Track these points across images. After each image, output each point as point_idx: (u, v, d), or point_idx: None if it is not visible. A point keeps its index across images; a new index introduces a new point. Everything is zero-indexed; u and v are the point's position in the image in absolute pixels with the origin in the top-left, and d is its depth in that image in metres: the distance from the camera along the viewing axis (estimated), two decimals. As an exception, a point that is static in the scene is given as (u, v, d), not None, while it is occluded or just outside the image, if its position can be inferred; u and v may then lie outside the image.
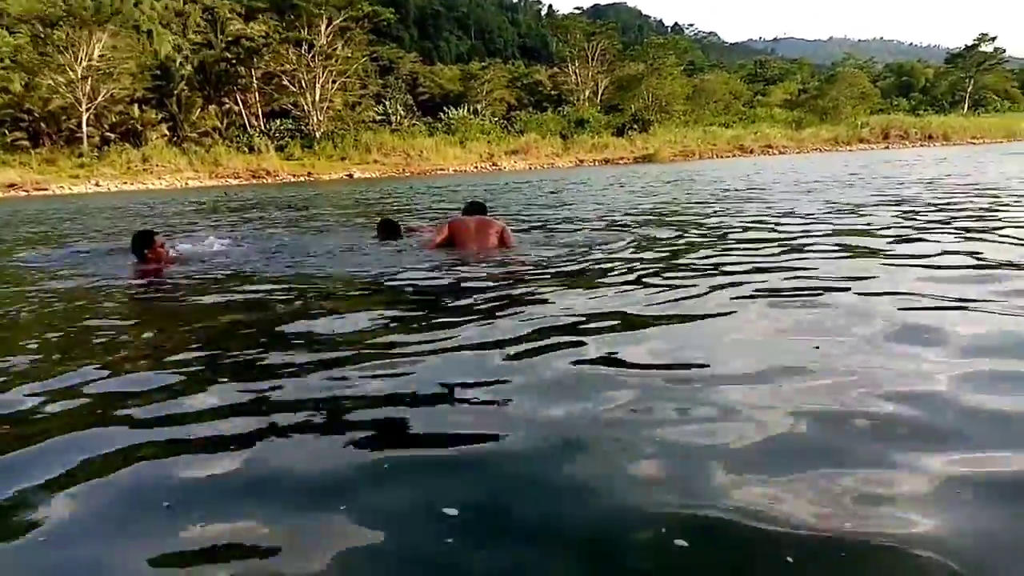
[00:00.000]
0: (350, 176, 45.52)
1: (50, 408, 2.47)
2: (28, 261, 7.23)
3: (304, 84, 52.87)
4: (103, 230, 11.51)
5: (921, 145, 55.66)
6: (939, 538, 1.47)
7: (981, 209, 7.81)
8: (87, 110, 48.32)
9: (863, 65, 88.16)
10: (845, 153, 47.58)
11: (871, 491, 1.66)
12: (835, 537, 1.47)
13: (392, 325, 3.58)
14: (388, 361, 2.86)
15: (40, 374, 2.91)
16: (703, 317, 3.41)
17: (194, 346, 3.29)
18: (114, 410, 2.42)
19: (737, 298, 3.79)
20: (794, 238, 6.13)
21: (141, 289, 5.44)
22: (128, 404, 2.46)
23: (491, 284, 4.71)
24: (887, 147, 54.70)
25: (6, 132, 47.76)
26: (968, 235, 5.86)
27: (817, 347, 2.76)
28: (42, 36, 49.93)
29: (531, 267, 5.31)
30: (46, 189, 40.19)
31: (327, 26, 53.03)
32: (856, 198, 10.02)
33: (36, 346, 3.52)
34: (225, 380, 2.70)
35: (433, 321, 3.56)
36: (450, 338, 3.15)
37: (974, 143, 54.97)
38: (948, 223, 6.69)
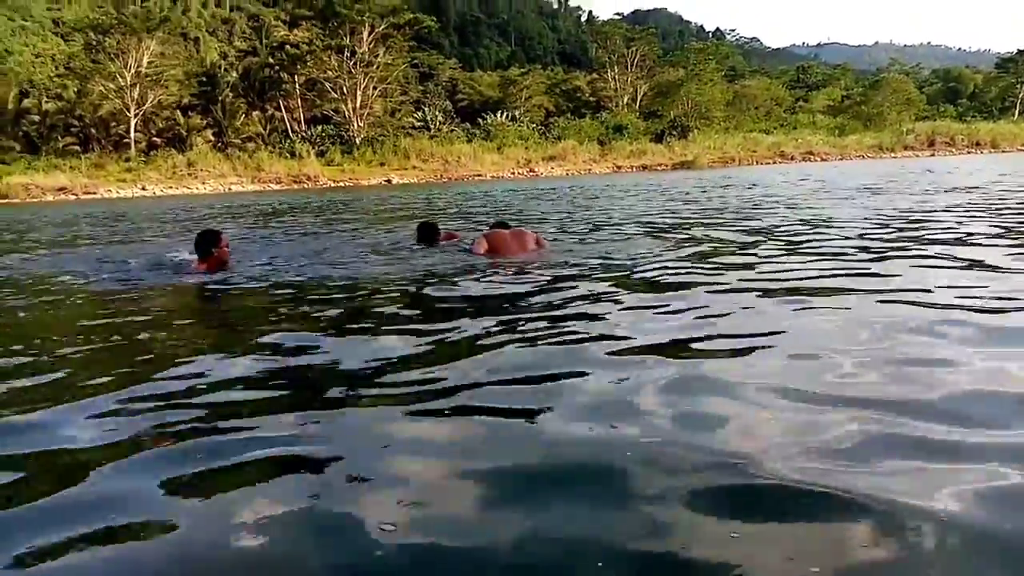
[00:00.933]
0: (389, 182, 46.00)
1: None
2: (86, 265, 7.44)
3: (345, 90, 53.62)
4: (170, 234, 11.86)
5: (968, 152, 54.44)
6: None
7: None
8: (135, 116, 49.63)
9: (909, 71, 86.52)
10: (889, 160, 46.73)
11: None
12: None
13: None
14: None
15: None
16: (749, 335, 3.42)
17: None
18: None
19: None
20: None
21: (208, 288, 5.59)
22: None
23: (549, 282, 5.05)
24: (932, 154, 53.59)
25: (58, 137, 49.33)
26: None
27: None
28: (94, 44, 51.50)
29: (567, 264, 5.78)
30: (94, 193, 41.33)
31: (369, 33, 53.75)
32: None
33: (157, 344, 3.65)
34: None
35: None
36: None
37: (1024, 151, 53.62)
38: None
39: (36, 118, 49.77)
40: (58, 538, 1.66)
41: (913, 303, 3.72)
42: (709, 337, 3.20)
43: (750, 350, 2.95)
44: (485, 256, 6.31)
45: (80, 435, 2.30)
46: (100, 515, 1.76)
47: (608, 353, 2.98)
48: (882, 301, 3.79)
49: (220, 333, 4.04)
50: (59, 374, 3.04)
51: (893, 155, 54.19)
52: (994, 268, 4.73)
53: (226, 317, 4.57)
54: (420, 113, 59.16)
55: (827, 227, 7.74)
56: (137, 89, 49.51)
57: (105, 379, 2.90)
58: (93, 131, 50.21)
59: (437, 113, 59.02)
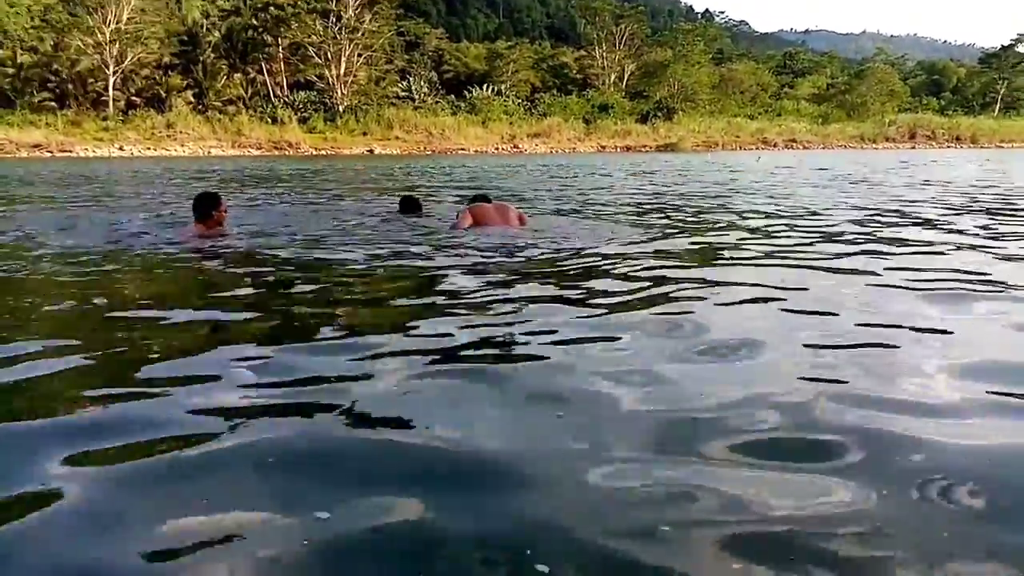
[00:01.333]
0: (371, 151, 45.62)
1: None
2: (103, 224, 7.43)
3: (329, 56, 52.85)
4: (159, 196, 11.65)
5: (948, 146, 54.99)
6: None
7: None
8: (114, 73, 48.58)
9: (894, 61, 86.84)
10: (870, 151, 47.09)
11: None
12: None
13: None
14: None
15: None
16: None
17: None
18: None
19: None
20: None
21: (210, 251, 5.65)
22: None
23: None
24: (913, 147, 54.09)
25: (33, 92, 48.13)
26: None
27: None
28: (72, -4, 50.20)
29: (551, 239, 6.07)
30: (70, 151, 40.57)
31: (355, -2, 52.93)
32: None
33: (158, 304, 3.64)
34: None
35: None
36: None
37: (1003, 147, 54.26)
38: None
39: (10, 71, 48.47)
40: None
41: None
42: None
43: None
44: (469, 229, 6.39)
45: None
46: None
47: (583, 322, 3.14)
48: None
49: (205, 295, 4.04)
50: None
51: (875, 146, 54.64)
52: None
53: (214, 283, 4.59)
54: (405, 83, 58.47)
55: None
56: (116, 46, 48.41)
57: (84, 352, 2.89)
58: (70, 87, 49.08)
59: (422, 84, 58.38)
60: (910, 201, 9.98)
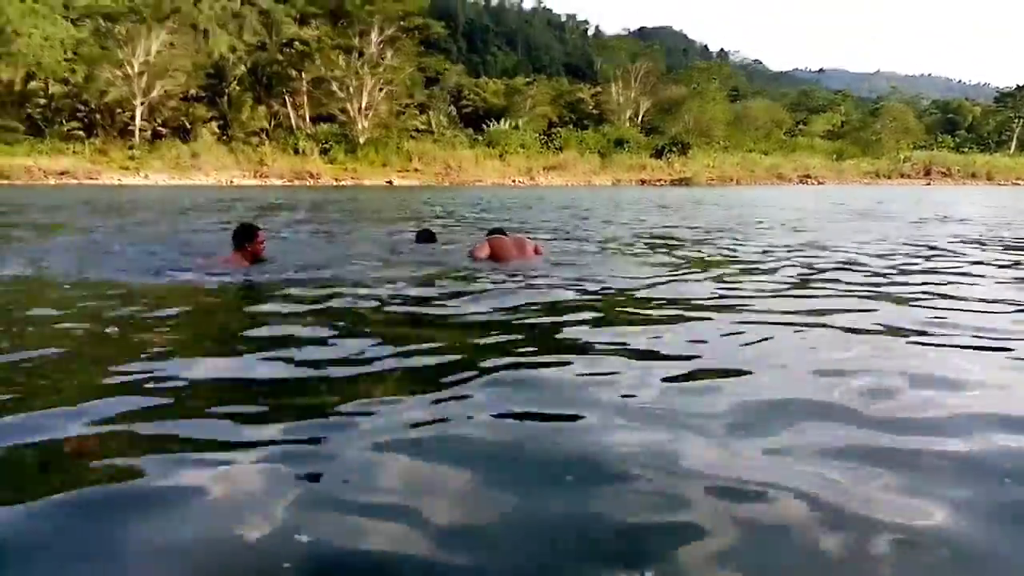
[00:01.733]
0: (390, 183, 46.28)
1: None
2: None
3: (352, 90, 53.94)
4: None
5: (963, 183, 55.09)
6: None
7: None
8: (141, 104, 49.81)
9: (908, 100, 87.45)
10: (885, 187, 47.31)
11: None
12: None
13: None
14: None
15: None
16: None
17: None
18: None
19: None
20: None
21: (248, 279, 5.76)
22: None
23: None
24: (928, 183, 54.24)
25: (63, 121, 49.44)
26: None
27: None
28: (103, 30, 51.74)
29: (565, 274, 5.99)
30: (96, 179, 41.46)
31: (378, 35, 54.13)
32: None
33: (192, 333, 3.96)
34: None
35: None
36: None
37: (1019, 184, 54.32)
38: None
39: (42, 101, 49.92)
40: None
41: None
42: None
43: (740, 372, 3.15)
44: (486, 261, 6.53)
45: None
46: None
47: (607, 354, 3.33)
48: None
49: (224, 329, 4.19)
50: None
51: (889, 182, 54.83)
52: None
53: (239, 313, 4.66)
54: (424, 116, 59.53)
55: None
56: (144, 78, 49.71)
57: (111, 374, 2.99)
58: (98, 117, 50.37)
59: (441, 117, 59.42)
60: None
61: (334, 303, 4.60)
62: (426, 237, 8.33)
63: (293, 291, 5.03)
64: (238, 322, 4.23)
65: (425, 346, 3.43)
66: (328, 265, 6.50)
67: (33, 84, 51.41)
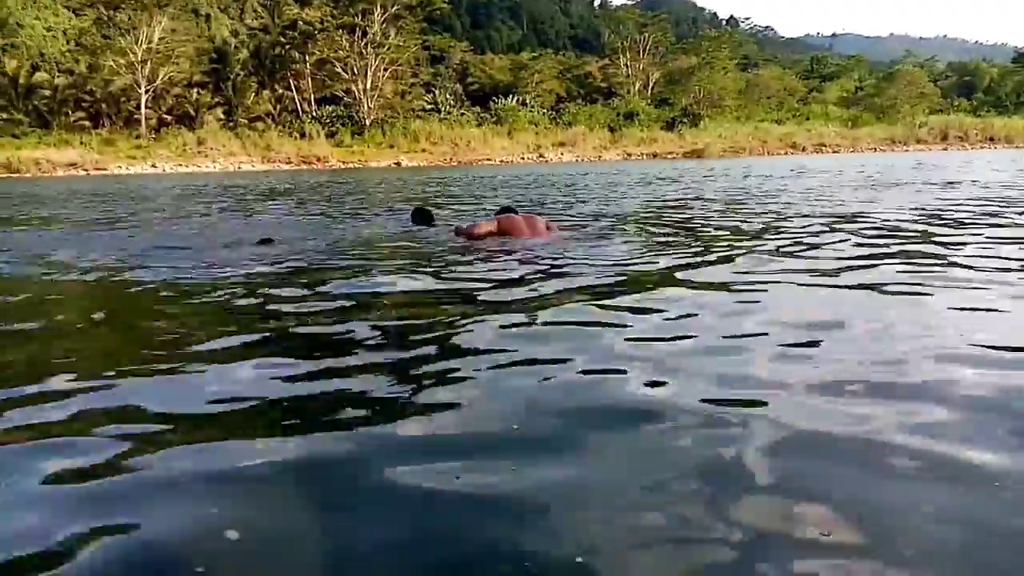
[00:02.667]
0: (398, 164, 45.98)
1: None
2: None
3: (356, 71, 53.49)
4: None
5: (981, 147, 54.03)
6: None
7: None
8: (146, 92, 49.62)
9: (923, 63, 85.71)
10: (901, 153, 46.46)
11: None
12: None
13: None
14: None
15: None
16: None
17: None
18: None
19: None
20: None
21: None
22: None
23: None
24: (945, 148, 53.24)
25: (69, 112, 49.37)
26: None
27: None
28: (105, 19, 51.53)
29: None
30: (104, 169, 41.44)
31: (381, 13, 53.54)
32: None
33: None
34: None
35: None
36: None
37: (1039, 146, 53.25)
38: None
39: (47, 92, 49.78)
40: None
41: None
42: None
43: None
44: (492, 236, 6.16)
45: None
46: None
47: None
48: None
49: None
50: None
51: (905, 148, 53.88)
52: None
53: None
54: (430, 96, 58.96)
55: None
56: (148, 65, 49.48)
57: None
58: (104, 107, 50.23)
59: (447, 96, 58.79)
60: None
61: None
62: (422, 218, 7.69)
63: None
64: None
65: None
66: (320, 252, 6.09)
67: (38, 76, 51.28)
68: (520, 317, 3.37)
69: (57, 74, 51.57)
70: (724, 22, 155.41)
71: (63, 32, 57.93)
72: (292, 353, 2.92)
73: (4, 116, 48.21)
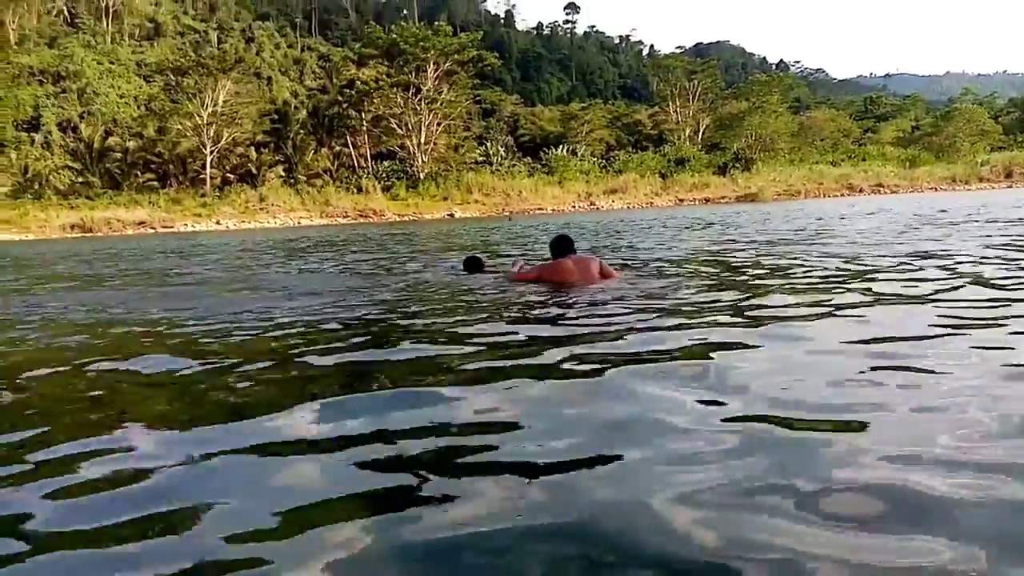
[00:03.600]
0: (451, 215, 46.71)
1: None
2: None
3: (410, 126, 54.89)
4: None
5: (1049, 184, 52.34)
6: None
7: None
8: (211, 153, 51.73)
9: (983, 100, 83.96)
10: (963, 193, 45.30)
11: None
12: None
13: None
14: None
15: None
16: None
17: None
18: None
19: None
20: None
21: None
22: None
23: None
24: (1010, 186, 51.73)
25: (138, 174, 51.79)
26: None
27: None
28: (174, 84, 54.21)
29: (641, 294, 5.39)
30: (171, 227, 43.10)
31: (434, 71, 55.09)
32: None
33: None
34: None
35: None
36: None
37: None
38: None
39: (119, 155, 52.40)
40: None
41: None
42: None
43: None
44: (529, 279, 6.03)
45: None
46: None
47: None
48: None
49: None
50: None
51: (967, 187, 52.53)
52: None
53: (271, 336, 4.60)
54: (482, 148, 60.17)
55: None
56: (213, 127, 51.65)
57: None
58: (171, 167, 52.54)
59: (499, 148, 59.88)
60: None
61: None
62: (472, 265, 7.85)
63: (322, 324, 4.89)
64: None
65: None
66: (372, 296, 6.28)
67: (111, 140, 54.12)
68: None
69: (128, 137, 54.35)
70: (774, 66, 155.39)
71: (134, 98, 61.23)
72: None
73: (80, 180, 50.91)
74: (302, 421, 2.70)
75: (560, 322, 4.57)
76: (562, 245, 6.30)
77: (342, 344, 4.11)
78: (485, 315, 4.98)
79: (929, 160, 61.48)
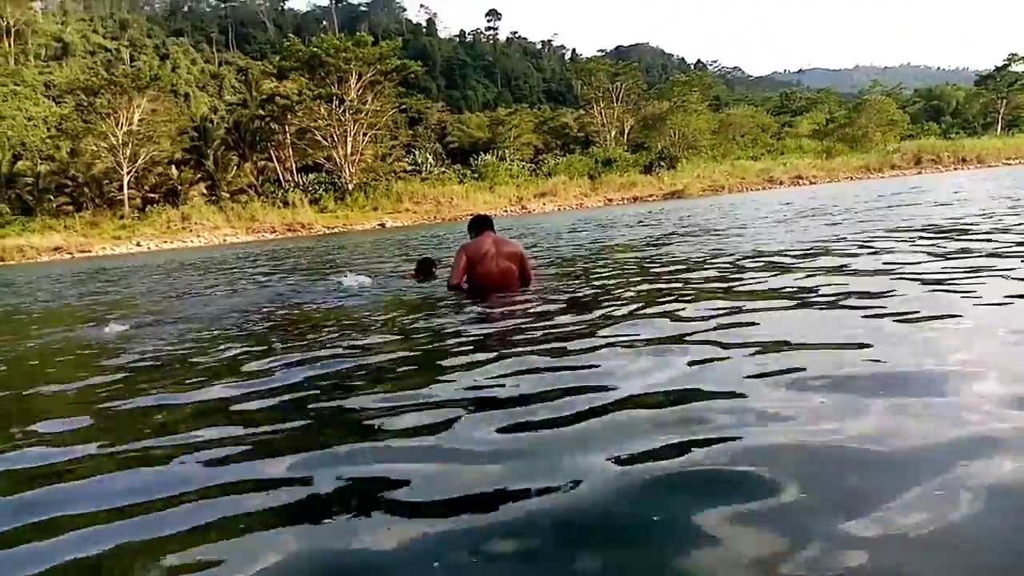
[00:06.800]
0: (382, 225, 46.25)
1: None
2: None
3: (336, 138, 54.16)
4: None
5: (955, 169, 54.90)
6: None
7: None
8: (128, 173, 50.00)
9: (890, 92, 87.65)
10: (877, 180, 47.14)
11: None
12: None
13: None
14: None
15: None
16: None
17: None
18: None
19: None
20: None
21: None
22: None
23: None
24: (919, 172, 54.08)
25: (51, 198, 49.59)
26: None
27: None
28: (86, 104, 52.18)
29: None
30: (89, 251, 41.48)
31: (357, 81, 54.47)
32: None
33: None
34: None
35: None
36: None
37: (1010, 164, 54.14)
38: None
39: (29, 180, 50.10)
40: None
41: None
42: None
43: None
44: (460, 284, 5.99)
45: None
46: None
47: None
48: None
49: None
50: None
51: (881, 175, 54.67)
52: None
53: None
54: (411, 157, 59.81)
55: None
56: (129, 147, 49.95)
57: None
58: (86, 190, 50.54)
59: (428, 156, 59.64)
60: None
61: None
62: (426, 268, 7.58)
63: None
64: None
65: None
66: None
67: (20, 164, 51.74)
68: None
69: (39, 161, 52.03)
70: (693, 66, 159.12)
71: (44, 120, 58.74)
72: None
73: (-14, 207, 48.47)
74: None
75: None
76: (480, 222, 6.43)
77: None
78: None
79: (844, 151, 63.77)
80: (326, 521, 1.82)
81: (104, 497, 2.06)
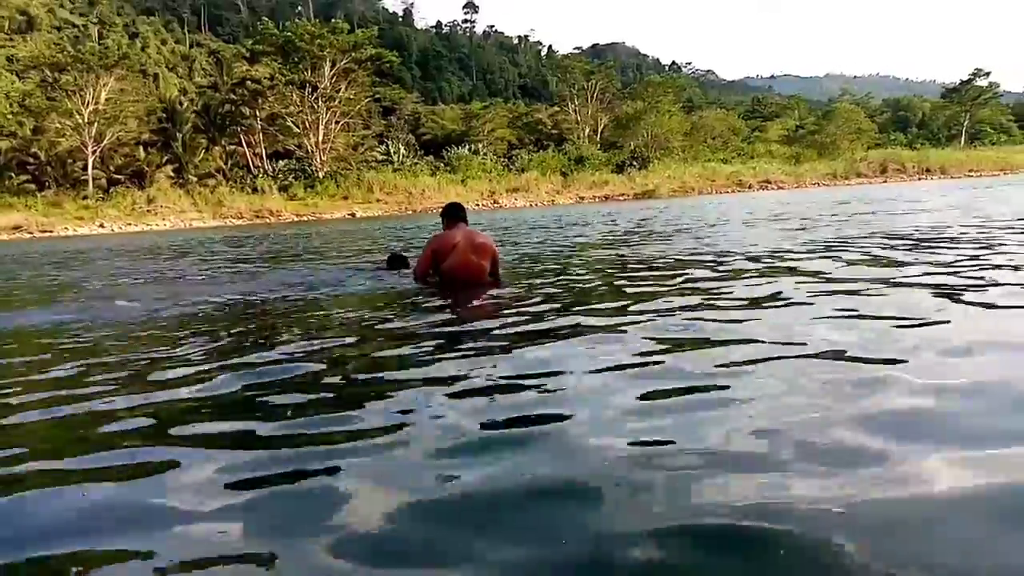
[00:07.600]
0: (352, 215, 45.92)
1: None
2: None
3: (307, 125, 53.61)
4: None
5: (919, 178, 56.07)
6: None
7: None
8: (93, 153, 48.96)
9: (859, 101, 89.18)
10: (843, 188, 47.93)
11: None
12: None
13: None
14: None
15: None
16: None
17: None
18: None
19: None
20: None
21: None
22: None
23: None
24: (885, 181, 55.11)
25: (12, 175, 48.35)
26: None
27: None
28: (50, 81, 50.89)
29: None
30: (51, 231, 40.60)
31: (330, 68, 53.93)
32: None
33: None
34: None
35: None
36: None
37: (972, 176, 55.43)
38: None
39: (-11, 156, 48.81)
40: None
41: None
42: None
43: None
44: (427, 275, 6.02)
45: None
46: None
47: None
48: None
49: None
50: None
51: (847, 182, 55.62)
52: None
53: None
54: (383, 147, 59.36)
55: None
56: (95, 126, 48.90)
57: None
58: (49, 169, 49.35)
59: (400, 147, 59.26)
60: None
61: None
62: (397, 263, 7.63)
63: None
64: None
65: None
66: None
67: (-21, 140, 50.33)
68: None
69: (0, 137, 50.67)
70: (667, 68, 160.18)
71: (6, 95, 57.14)
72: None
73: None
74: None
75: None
76: (452, 210, 6.37)
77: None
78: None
79: (812, 157, 64.78)
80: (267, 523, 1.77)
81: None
